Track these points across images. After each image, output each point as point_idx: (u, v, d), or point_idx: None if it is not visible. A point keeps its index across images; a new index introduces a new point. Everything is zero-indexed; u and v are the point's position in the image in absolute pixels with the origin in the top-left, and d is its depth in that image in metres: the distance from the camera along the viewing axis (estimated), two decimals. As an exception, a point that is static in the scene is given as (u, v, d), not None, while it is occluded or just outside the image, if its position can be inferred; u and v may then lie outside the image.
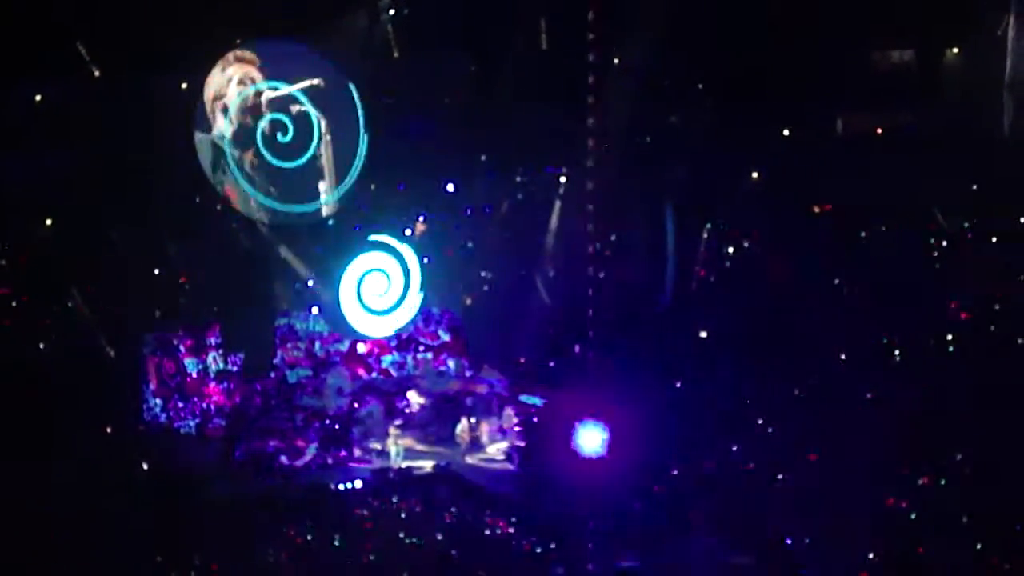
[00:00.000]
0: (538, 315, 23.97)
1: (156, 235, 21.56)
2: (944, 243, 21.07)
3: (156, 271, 21.90)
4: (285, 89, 21.12)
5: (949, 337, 20.39)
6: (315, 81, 21.01)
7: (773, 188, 22.61)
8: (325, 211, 21.57)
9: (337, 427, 21.64)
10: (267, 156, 21.10)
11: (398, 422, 21.65)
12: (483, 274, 24.61)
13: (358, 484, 19.40)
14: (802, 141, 22.31)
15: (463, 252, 24.61)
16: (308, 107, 21.36)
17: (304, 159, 21.47)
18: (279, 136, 21.24)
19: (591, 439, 19.95)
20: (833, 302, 21.58)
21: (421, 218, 24.23)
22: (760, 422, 19.82)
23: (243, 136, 20.94)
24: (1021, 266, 20.16)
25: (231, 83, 20.62)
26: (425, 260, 23.26)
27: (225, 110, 20.76)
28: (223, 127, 20.64)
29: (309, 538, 16.85)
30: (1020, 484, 16.74)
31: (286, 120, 21.28)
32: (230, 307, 21.96)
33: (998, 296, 20.07)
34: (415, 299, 23.05)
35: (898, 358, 20.51)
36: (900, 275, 21.08)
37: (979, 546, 16.16)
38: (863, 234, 21.76)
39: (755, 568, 16.30)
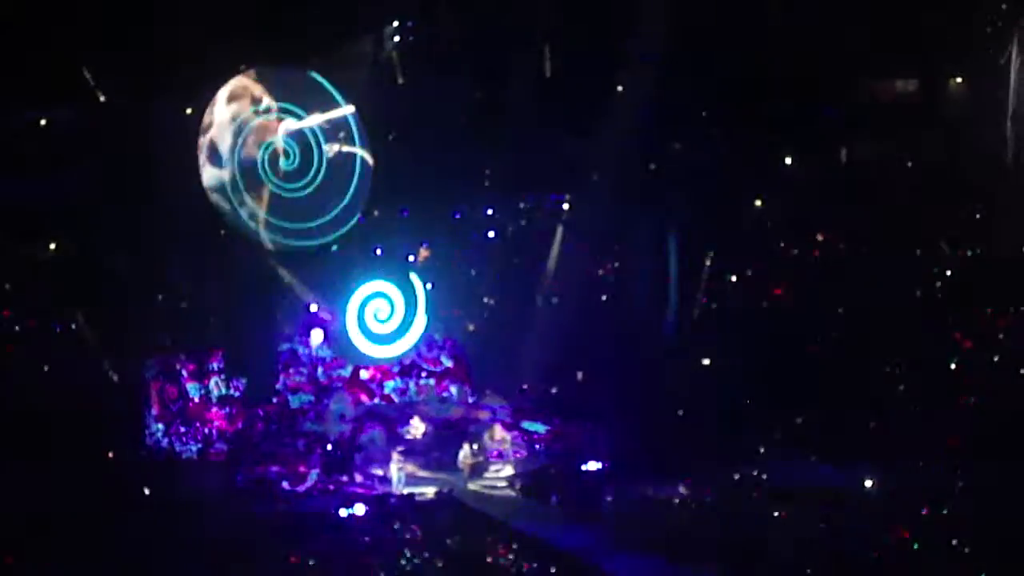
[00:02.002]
0: (541, 342, 23.96)
1: (159, 260, 21.69)
2: (948, 271, 21.16)
3: (160, 296, 22.02)
4: (295, 124, 21.50)
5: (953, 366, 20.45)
6: (324, 116, 21.42)
7: (776, 216, 22.73)
8: (330, 238, 21.86)
9: (339, 453, 21.58)
10: (280, 189, 21.58)
11: (400, 448, 21.56)
12: (486, 300, 24.63)
13: (360, 510, 19.30)
14: (805, 169, 22.44)
15: (466, 279, 24.64)
16: (315, 140, 21.79)
17: (311, 191, 21.83)
18: (287, 172, 21.69)
19: None
20: (835, 328, 21.65)
21: (424, 245, 24.36)
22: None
23: (252, 171, 21.41)
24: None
25: (236, 118, 21.03)
26: (428, 286, 23.38)
27: (234, 146, 21.16)
28: (232, 162, 21.11)
29: (311, 563, 16.75)
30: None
31: (293, 154, 21.69)
32: (233, 332, 22.03)
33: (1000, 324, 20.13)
34: (418, 326, 23.22)
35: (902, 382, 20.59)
36: (902, 301, 21.18)
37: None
38: (864, 260, 21.88)
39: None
